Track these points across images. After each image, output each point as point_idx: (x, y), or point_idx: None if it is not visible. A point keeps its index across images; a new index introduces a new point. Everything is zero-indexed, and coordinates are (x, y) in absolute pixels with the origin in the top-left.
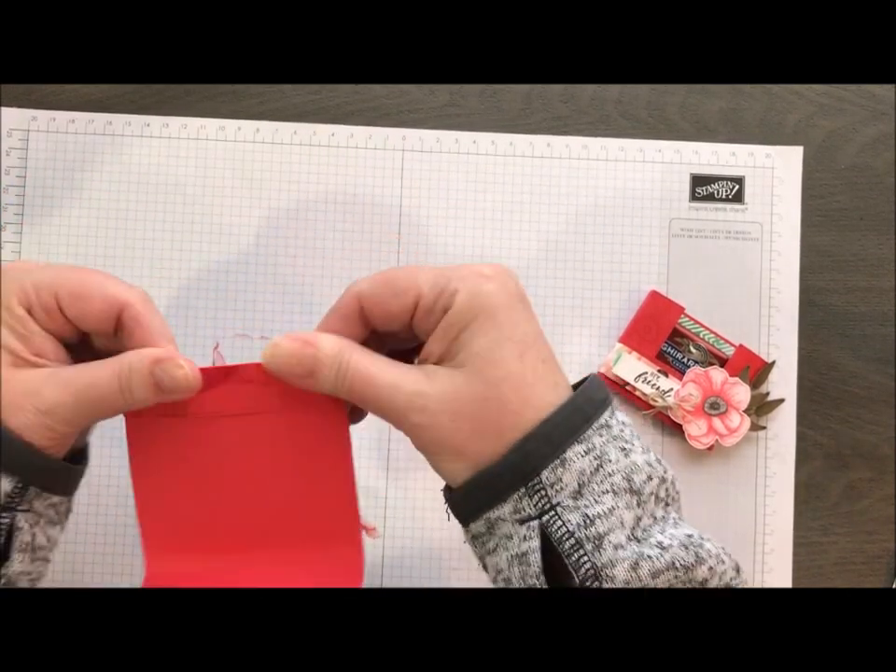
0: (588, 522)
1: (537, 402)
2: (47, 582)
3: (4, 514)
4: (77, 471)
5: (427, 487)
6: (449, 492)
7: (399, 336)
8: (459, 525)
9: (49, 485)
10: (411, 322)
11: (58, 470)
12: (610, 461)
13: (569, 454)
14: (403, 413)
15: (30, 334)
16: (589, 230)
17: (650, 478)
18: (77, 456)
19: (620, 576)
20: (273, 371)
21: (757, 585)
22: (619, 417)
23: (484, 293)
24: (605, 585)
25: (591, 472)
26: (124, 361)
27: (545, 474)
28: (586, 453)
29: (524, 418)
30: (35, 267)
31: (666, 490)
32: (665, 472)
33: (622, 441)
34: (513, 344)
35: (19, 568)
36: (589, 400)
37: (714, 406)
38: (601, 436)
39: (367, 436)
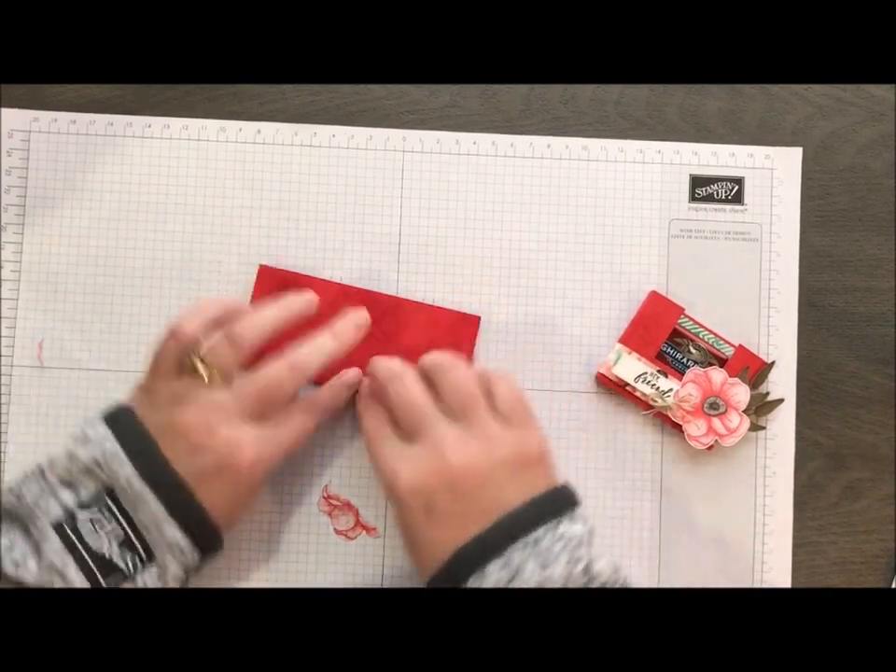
0: None
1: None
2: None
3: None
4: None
5: None
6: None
7: None
8: None
9: (209, 558)
10: None
11: (221, 546)
12: (524, 574)
13: (489, 567)
14: (380, 477)
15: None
16: (589, 230)
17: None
18: None
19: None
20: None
21: (756, 585)
22: (561, 531)
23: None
24: None
25: (505, 583)
26: (314, 411)
27: (471, 581)
28: (504, 566)
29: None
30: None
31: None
32: (588, 581)
33: (543, 557)
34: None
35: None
36: (520, 520)
37: (714, 406)
38: (523, 551)
39: None
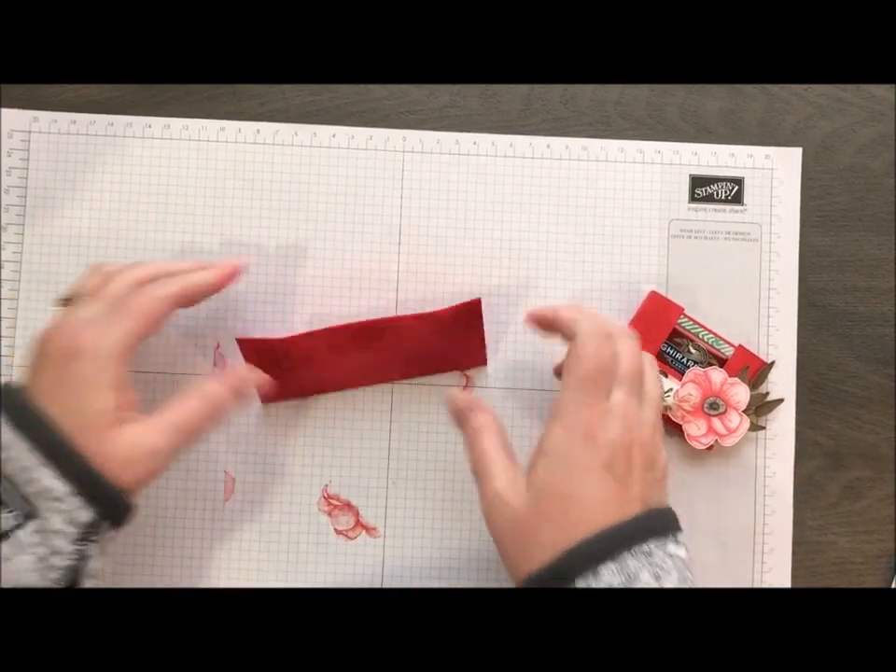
0: None
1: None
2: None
3: (83, 542)
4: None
5: (427, 488)
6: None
7: None
8: (459, 525)
9: (119, 521)
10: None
11: (130, 507)
12: (638, 582)
13: (601, 568)
14: (486, 503)
15: (125, 388)
16: (589, 230)
17: None
18: None
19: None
20: (447, 402)
21: (756, 585)
22: (671, 550)
23: (567, 441)
24: None
25: (618, 586)
26: (207, 392)
27: (579, 581)
28: (619, 571)
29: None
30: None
31: None
32: None
33: (657, 568)
34: (567, 491)
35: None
36: (639, 528)
37: (713, 406)
38: (636, 559)
39: (367, 436)
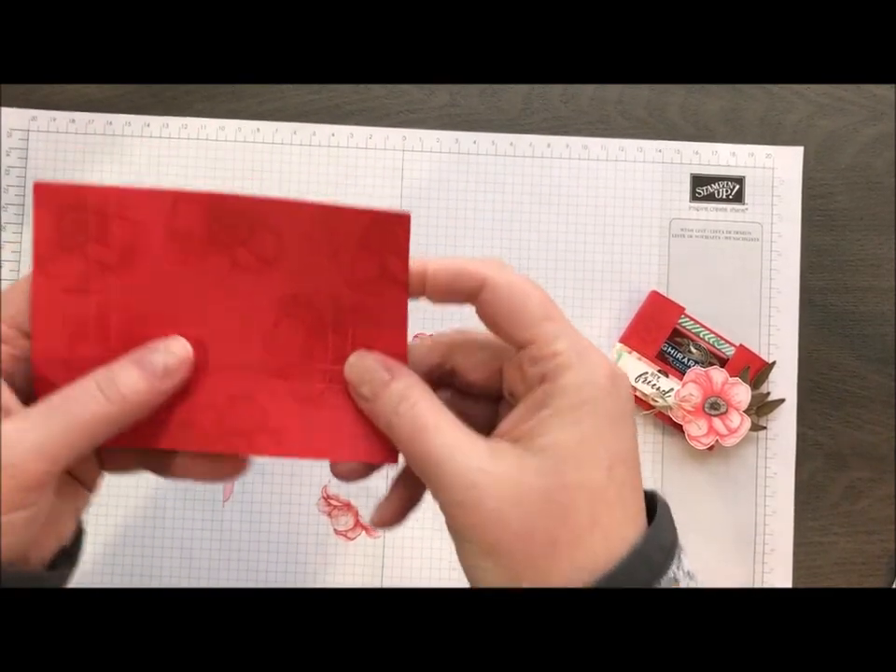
0: None
1: (609, 530)
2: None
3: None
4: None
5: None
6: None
7: (477, 387)
8: None
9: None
10: (499, 372)
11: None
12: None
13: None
14: (450, 484)
15: None
16: (589, 230)
17: None
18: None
19: None
20: (347, 376)
21: (757, 585)
22: (685, 567)
23: (601, 386)
24: None
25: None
26: (98, 372)
27: (667, 574)
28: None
29: (588, 542)
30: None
31: None
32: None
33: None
34: (606, 452)
35: None
36: (659, 549)
37: (714, 406)
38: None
39: None
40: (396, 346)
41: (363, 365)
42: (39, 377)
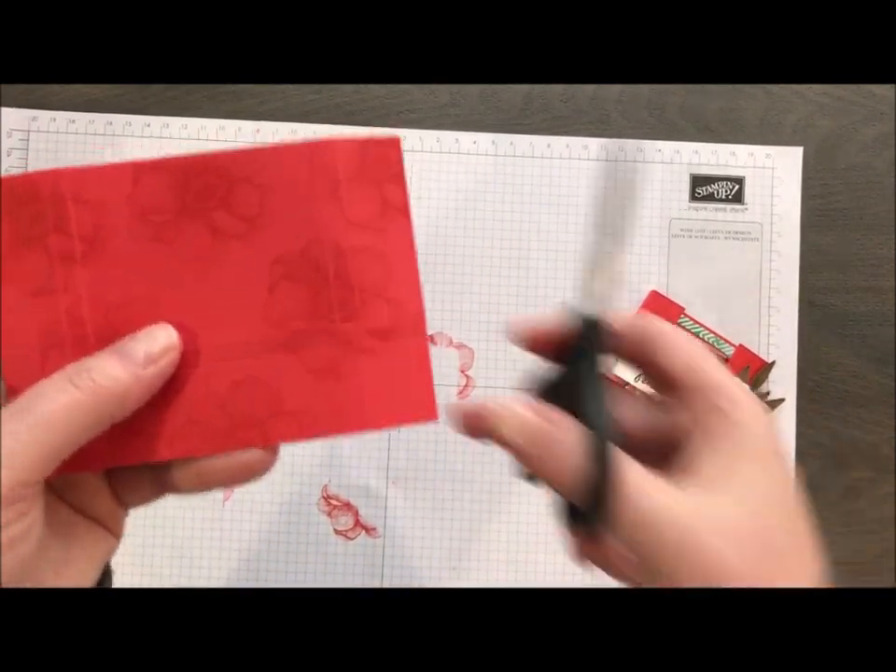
0: None
1: (807, 561)
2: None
3: None
4: None
5: (427, 488)
6: None
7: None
8: (459, 525)
9: None
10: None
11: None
12: None
13: None
14: (665, 541)
15: None
16: (589, 230)
17: None
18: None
19: None
20: (502, 439)
21: None
22: None
23: (765, 423)
24: None
25: None
26: (70, 365)
27: None
28: None
29: (799, 578)
30: None
31: None
32: None
33: None
34: (788, 489)
35: None
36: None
37: None
38: None
39: (366, 436)
40: (408, 288)
41: (518, 423)
42: (15, 393)
